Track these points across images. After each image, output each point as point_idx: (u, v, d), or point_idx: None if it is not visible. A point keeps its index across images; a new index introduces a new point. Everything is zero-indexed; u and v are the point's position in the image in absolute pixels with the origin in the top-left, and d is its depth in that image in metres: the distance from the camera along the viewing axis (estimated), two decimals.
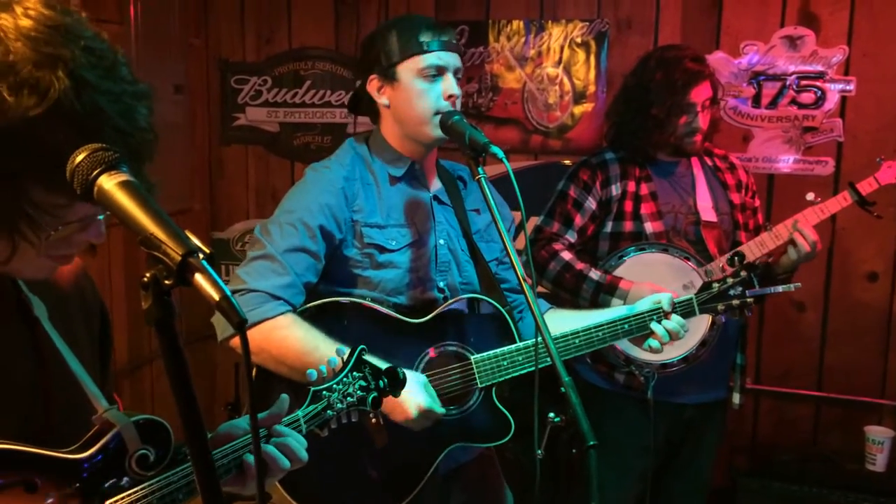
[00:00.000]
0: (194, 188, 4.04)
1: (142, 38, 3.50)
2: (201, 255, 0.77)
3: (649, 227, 2.45)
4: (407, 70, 1.88)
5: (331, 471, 1.84)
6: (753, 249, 2.46)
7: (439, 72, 1.88)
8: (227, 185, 4.13)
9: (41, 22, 0.90)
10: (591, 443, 1.45)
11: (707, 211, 2.51)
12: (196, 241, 0.78)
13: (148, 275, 0.77)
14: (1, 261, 0.96)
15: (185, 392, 0.81)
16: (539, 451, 1.61)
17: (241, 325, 0.75)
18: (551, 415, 1.59)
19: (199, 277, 0.76)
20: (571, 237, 2.51)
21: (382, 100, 1.94)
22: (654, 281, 2.34)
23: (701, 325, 2.33)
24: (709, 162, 2.61)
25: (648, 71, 2.47)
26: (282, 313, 1.78)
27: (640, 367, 2.40)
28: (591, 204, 2.50)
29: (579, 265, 2.44)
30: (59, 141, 0.87)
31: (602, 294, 2.39)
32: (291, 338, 1.75)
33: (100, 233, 1.01)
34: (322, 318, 1.82)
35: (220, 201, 4.15)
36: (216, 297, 0.75)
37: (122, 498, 1.08)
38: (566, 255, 2.46)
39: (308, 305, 1.86)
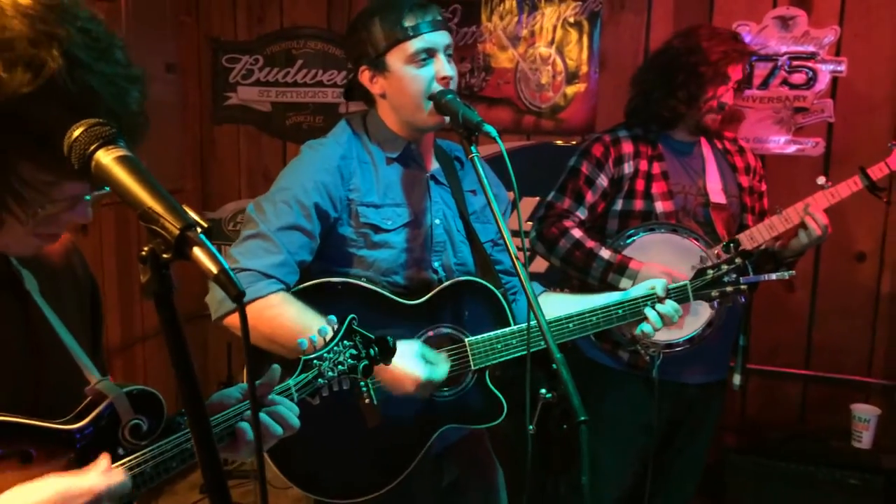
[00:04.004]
0: (186, 167, 4.04)
1: (132, 16, 3.47)
2: (199, 229, 0.78)
3: (660, 206, 2.45)
4: (396, 58, 1.85)
5: (324, 449, 1.86)
6: (763, 232, 2.47)
7: (429, 54, 1.85)
8: (219, 165, 4.13)
9: (38, 1, 0.90)
10: (582, 418, 1.47)
11: (716, 193, 2.52)
12: (193, 215, 0.79)
13: (146, 248, 0.78)
14: None
15: (183, 364, 0.82)
16: (530, 427, 1.63)
17: (239, 298, 0.76)
18: (543, 391, 1.61)
19: (197, 251, 0.77)
20: (582, 214, 2.51)
21: (376, 90, 1.92)
22: (662, 261, 2.35)
23: (707, 305, 2.35)
24: (718, 145, 2.62)
25: (698, 37, 2.46)
26: (273, 292, 1.77)
27: (646, 347, 2.41)
28: (603, 181, 2.50)
29: (590, 243, 2.44)
30: (50, 119, 0.88)
31: (612, 274, 2.39)
32: (283, 316, 1.75)
33: (86, 213, 1.02)
34: (317, 298, 1.82)
35: (211, 181, 4.14)
36: (214, 269, 0.76)
37: (116, 467, 1.09)
38: (576, 233, 2.46)
39: (303, 285, 1.85)
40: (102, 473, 1.05)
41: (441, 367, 1.84)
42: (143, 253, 0.78)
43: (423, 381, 1.77)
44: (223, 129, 4.10)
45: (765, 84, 3.33)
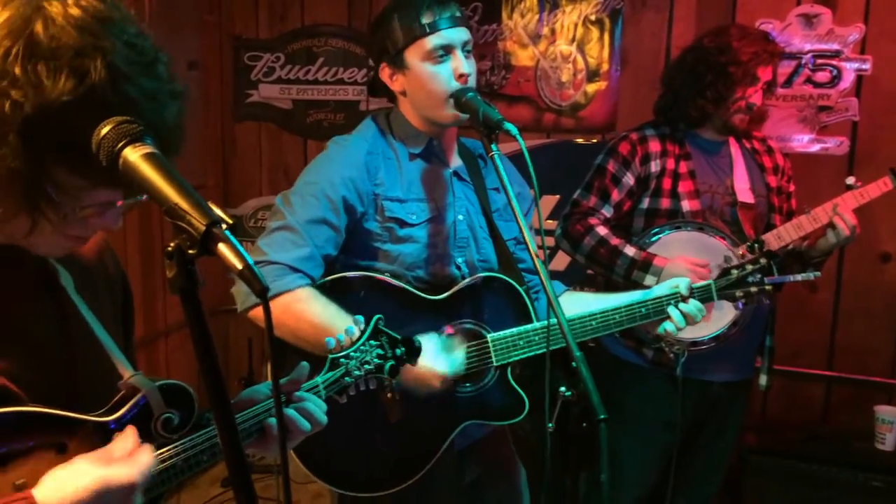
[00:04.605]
0: (207, 165, 4.07)
1: (156, 14, 3.50)
2: (224, 225, 0.79)
3: (686, 205, 2.45)
4: (414, 55, 1.87)
5: (347, 443, 1.87)
6: (790, 232, 2.45)
7: (447, 51, 1.86)
8: (240, 162, 4.16)
9: (89, 13, 0.92)
10: (602, 416, 1.47)
11: (744, 192, 2.50)
12: (219, 212, 0.80)
13: (172, 244, 0.79)
14: (19, 236, 0.99)
15: (208, 358, 0.83)
16: (550, 425, 1.64)
17: (263, 293, 0.77)
18: (562, 389, 1.61)
19: (222, 247, 0.78)
20: (608, 212, 2.51)
21: (396, 87, 1.94)
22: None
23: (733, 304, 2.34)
24: (747, 144, 2.60)
25: (728, 36, 2.45)
26: (300, 286, 1.79)
27: (670, 344, 2.41)
28: (630, 180, 2.50)
29: (614, 240, 2.44)
30: (88, 128, 0.89)
31: (636, 270, 2.39)
32: (309, 312, 1.77)
33: (116, 220, 1.04)
34: (340, 292, 1.84)
35: (233, 178, 4.17)
36: (239, 265, 0.77)
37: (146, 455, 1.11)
38: (601, 230, 2.46)
39: (327, 279, 1.87)
40: (135, 463, 1.06)
41: (458, 353, 1.86)
42: (170, 249, 0.79)
43: (449, 377, 1.80)
44: (244, 126, 4.13)
45: (788, 82, 3.30)
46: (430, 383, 1.80)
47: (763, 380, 2.66)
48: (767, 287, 2.07)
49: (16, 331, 1.06)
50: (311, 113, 4.01)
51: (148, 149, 0.84)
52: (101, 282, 1.24)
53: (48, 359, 1.10)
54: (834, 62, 3.24)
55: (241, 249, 0.78)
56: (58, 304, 1.13)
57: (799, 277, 2.15)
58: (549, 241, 3.03)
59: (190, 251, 0.78)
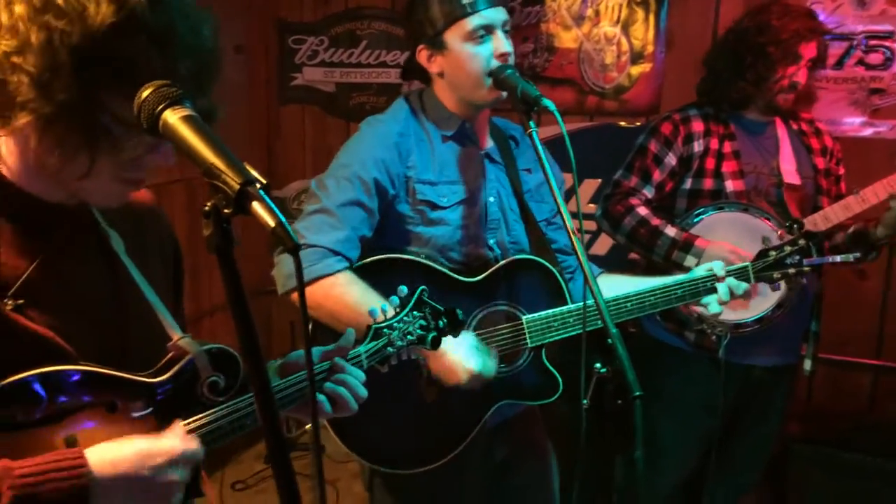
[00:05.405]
0: (252, 147, 4.13)
1: None
2: (258, 185, 0.81)
3: (730, 185, 2.41)
4: (454, 36, 1.86)
5: (383, 420, 1.88)
6: (838, 213, 2.40)
7: (487, 31, 1.85)
8: (284, 145, 4.21)
9: None
10: (637, 393, 1.46)
11: (790, 174, 2.45)
12: (253, 172, 0.82)
13: (209, 204, 0.81)
14: (79, 175, 1.02)
15: (244, 321, 0.85)
16: (585, 402, 1.64)
17: (295, 250, 0.78)
18: (597, 365, 1.61)
19: (256, 205, 0.79)
20: (649, 192, 2.49)
21: (434, 69, 1.93)
22: (730, 240, 2.31)
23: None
24: (794, 125, 2.55)
25: (769, 14, 2.40)
26: (340, 270, 1.81)
27: (713, 326, 2.38)
28: (672, 160, 2.47)
29: (655, 221, 2.42)
30: (134, 52, 0.94)
31: (677, 251, 2.36)
32: (348, 295, 1.78)
33: (169, 155, 1.07)
34: (378, 274, 1.85)
35: (277, 160, 4.23)
36: (272, 223, 0.78)
37: (195, 420, 1.15)
38: (642, 211, 2.44)
39: (363, 261, 1.89)
40: (180, 438, 1.10)
41: (493, 361, 1.85)
42: (207, 208, 0.82)
43: (476, 372, 1.79)
44: (289, 109, 4.17)
45: (839, 64, 3.22)
46: (458, 376, 1.79)
47: (808, 364, 2.61)
48: (806, 268, 2.04)
49: (69, 291, 1.10)
50: (354, 96, 4.03)
51: (187, 111, 0.87)
52: (152, 246, 1.27)
53: (100, 319, 1.14)
54: (887, 43, 3.14)
55: (275, 207, 0.79)
56: (110, 267, 1.17)
57: (838, 258, 2.10)
58: (589, 225, 3.02)
59: (225, 210, 0.80)
